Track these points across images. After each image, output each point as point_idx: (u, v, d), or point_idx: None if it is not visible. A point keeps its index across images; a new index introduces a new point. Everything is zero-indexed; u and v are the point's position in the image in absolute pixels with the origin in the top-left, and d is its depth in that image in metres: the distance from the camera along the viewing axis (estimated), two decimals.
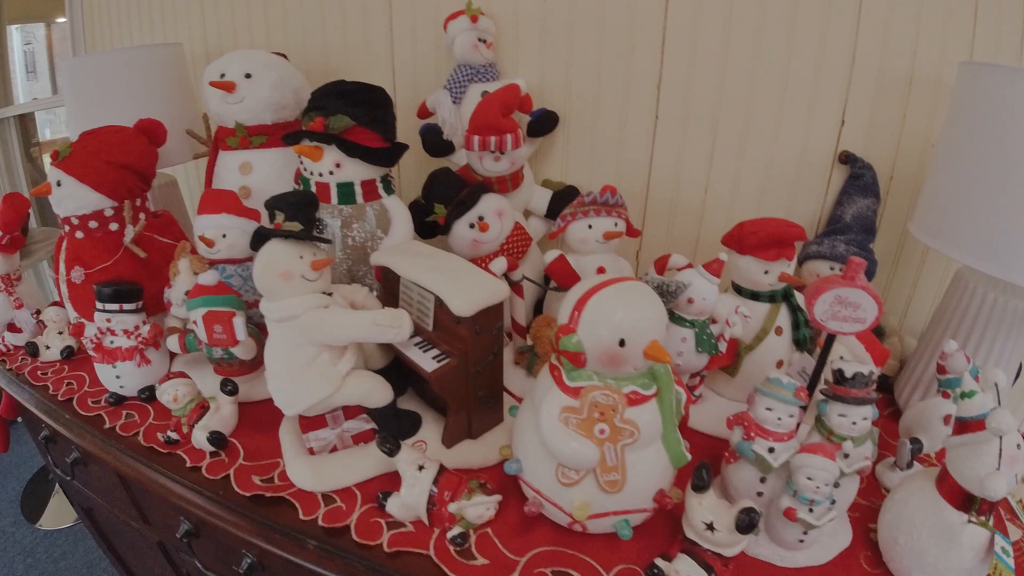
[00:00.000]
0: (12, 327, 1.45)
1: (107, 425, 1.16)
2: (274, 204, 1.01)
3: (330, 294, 1.01)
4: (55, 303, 1.44)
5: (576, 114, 1.33)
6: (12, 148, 3.08)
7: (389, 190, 1.22)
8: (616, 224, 1.16)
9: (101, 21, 1.96)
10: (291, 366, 0.99)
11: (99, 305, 1.19)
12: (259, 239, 0.99)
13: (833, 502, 0.84)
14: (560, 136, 1.38)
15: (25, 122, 3.10)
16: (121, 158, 1.25)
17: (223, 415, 1.10)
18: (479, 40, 1.30)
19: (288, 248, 0.97)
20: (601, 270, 1.18)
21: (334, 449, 1.05)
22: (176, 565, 1.39)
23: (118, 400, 1.22)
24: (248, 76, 1.30)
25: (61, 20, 3.19)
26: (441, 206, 1.23)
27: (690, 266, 1.08)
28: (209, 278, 1.15)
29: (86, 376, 1.31)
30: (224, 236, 1.22)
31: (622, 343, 0.81)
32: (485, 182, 1.26)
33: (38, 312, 1.43)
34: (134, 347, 1.19)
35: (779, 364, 1.11)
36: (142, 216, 1.30)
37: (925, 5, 1.06)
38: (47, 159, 2.18)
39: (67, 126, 1.62)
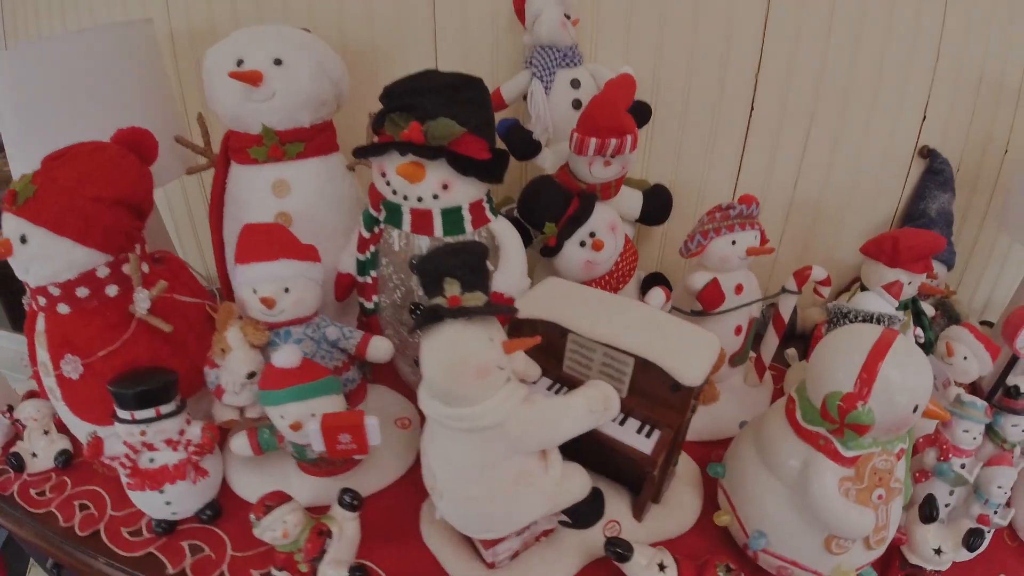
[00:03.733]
0: None
1: (171, 571, 0.73)
2: (440, 268, 0.59)
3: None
4: (31, 394, 0.92)
5: (664, 105, 1.00)
6: None
7: (495, 211, 0.83)
8: (756, 238, 0.85)
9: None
10: (493, 484, 0.62)
11: (123, 414, 0.73)
12: (427, 321, 0.58)
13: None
14: (643, 129, 1.03)
15: None
16: (110, 191, 0.76)
17: (349, 537, 0.71)
18: (565, 16, 0.90)
19: (478, 332, 0.58)
20: (739, 288, 0.87)
21: (515, 555, 0.71)
22: None
23: (169, 528, 0.78)
24: (278, 62, 0.83)
25: None
26: (552, 224, 0.85)
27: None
28: (288, 358, 0.73)
29: (101, 492, 0.85)
30: (287, 291, 0.78)
31: (915, 408, 0.61)
32: (589, 190, 0.89)
33: (10, 409, 0.91)
34: (185, 460, 0.75)
35: None
36: (145, 270, 0.81)
37: (1000, 9, 0.92)
38: None
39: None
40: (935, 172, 1.02)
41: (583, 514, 0.72)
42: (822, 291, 0.87)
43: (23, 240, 0.72)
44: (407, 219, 0.78)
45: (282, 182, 0.88)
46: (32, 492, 0.87)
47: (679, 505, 0.78)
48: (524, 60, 0.93)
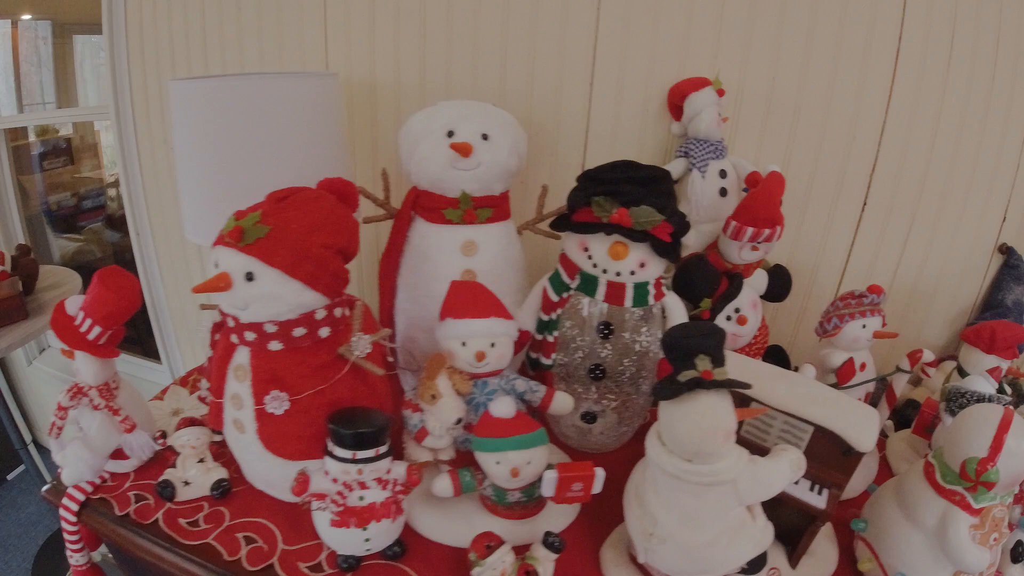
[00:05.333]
0: (116, 454, 0.85)
1: None
2: (694, 346, 0.64)
3: None
4: (188, 421, 0.87)
5: (788, 193, 1.08)
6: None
7: (668, 286, 0.88)
8: (880, 323, 0.95)
9: (153, 41, 1.24)
10: (718, 531, 0.66)
11: (343, 453, 0.71)
12: (682, 390, 0.63)
13: None
14: None
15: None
16: (335, 239, 0.75)
17: None
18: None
19: (725, 402, 0.63)
20: (863, 367, 0.96)
21: None
22: None
23: (355, 564, 0.75)
24: (485, 137, 0.86)
25: (26, 17, 2.15)
26: (708, 300, 0.92)
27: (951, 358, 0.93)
28: (506, 408, 0.74)
29: (268, 524, 0.81)
30: (493, 345, 0.79)
31: None
32: (734, 270, 0.96)
33: (163, 435, 0.85)
34: (391, 499, 0.73)
35: None
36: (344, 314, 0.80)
37: None
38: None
39: (176, 168, 0.99)
40: (1011, 267, 1.11)
41: (756, 562, 0.76)
42: (928, 371, 0.98)
43: (249, 278, 0.71)
44: (602, 290, 0.82)
45: (471, 243, 0.90)
46: (182, 522, 0.81)
47: (822, 555, 0.84)
48: (677, 150, 1.00)
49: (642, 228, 0.78)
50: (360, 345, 0.76)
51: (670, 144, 1.05)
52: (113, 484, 0.87)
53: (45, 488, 0.90)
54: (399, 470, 0.75)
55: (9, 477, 2.23)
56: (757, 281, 0.99)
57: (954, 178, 1.05)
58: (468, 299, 0.81)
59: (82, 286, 1.51)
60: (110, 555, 0.96)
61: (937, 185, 1.06)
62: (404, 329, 0.93)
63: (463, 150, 0.83)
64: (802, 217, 1.10)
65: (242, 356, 0.76)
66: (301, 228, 0.73)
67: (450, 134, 0.85)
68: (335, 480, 0.72)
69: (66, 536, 0.88)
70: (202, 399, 0.85)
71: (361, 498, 0.72)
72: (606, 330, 0.83)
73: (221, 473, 0.85)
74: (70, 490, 0.85)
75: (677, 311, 0.87)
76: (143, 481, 0.88)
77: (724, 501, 0.66)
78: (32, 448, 1.69)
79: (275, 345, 0.74)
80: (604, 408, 0.87)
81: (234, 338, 0.76)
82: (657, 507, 0.68)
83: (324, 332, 0.77)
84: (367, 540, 0.73)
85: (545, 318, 0.86)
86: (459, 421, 0.78)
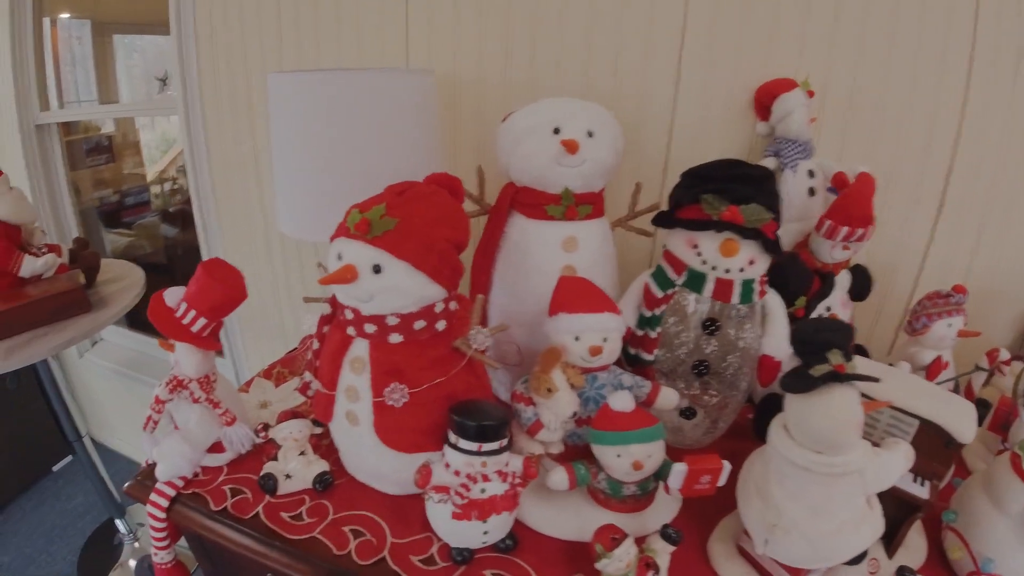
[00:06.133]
0: (214, 447, 0.83)
1: None
2: (828, 341, 0.63)
3: None
4: (290, 413, 0.84)
5: None
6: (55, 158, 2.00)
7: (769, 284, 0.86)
8: (963, 323, 0.93)
9: (224, 35, 1.21)
10: (844, 520, 0.65)
11: (468, 445, 0.68)
12: (813, 384, 0.61)
13: None
14: None
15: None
16: (455, 234, 0.74)
17: (664, 570, 0.69)
18: None
19: (856, 395, 0.62)
20: (946, 364, 0.94)
21: None
22: None
23: (469, 556, 0.72)
24: (590, 135, 0.83)
25: (64, 16, 2.12)
26: (803, 298, 0.90)
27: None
28: (626, 402, 0.72)
29: (375, 518, 0.79)
30: (605, 340, 0.77)
31: None
32: (823, 269, 0.94)
33: (265, 428, 0.83)
34: (511, 492, 0.70)
35: None
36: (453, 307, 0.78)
37: None
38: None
39: (273, 160, 0.97)
40: None
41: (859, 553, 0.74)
42: (1004, 369, 0.96)
43: (376, 270, 0.68)
44: (710, 286, 0.80)
45: (572, 239, 0.87)
46: (284, 516, 0.79)
47: (914, 546, 0.82)
48: (766, 150, 0.98)
49: (753, 226, 0.77)
50: (479, 338, 0.74)
51: (753, 144, 1.03)
52: (206, 478, 0.85)
53: (128, 484, 0.87)
54: (517, 463, 0.73)
55: (55, 468, 2.20)
56: (843, 280, 0.97)
57: (1005, 183, 1.01)
58: (581, 294, 0.79)
59: (143, 281, 1.48)
60: (187, 549, 0.93)
61: (1011, 185, 1.03)
62: (497, 322, 0.91)
63: (571, 146, 0.81)
64: (880, 218, 1.08)
65: (360, 348, 0.74)
66: (426, 221, 0.71)
67: (556, 131, 0.83)
68: (457, 473, 0.70)
69: (153, 532, 0.85)
70: (303, 390, 0.83)
71: (483, 490, 0.70)
72: (712, 326, 0.81)
73: (322, 466, 0.83)
74: (160, 485, 0.82)
75: (778, 309, 0.85)
76: (239, 475, 0.85)
77: (850, 491, 0.65)
78: (87, 440, 1.65)
79: (395, 338, 0.72)
80: (705, 404, 0.85)
81: (351, 330, 0.74)
82: (783, 499, 0.67)
83: (441, 325, 0.75)
84: (485, 533, 0.71)
85: (648, 314, 0.84)
86: (574, 415, 0.75)
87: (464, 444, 0.69)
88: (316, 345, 0.81)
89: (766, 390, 0.89)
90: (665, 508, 0.80)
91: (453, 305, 0.76)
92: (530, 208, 0.88)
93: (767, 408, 0.89)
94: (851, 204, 0.89)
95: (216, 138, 1.43)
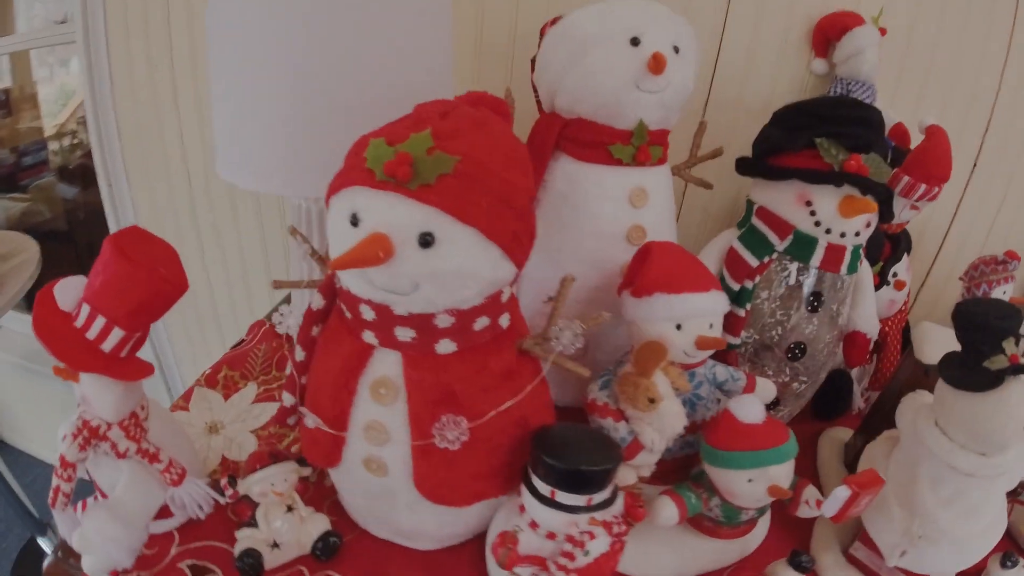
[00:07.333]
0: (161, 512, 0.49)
1: None
2: (1004, 328, 0.44)
3: None
4: (267, 454, 0.51)
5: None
6: None
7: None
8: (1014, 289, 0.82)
9: None
10: (987, 522, 0.50)
11: (575, 500, 0.42)
12: (994, 379, 0.43)
13: None
14: None
15: None
16: (525, 180, 0.43)
17: None
18: None
19: None
20: None
21: None
22: None
23: None
24: (676, 50, 0.56)
25: None
26: (879, 264, 0.72)
27: None
28: (755, 411, 0.49)
29: None
30: (711, 327, 0.53)
31: None
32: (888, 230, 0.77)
33: (229, 481, 0.49)
34: (617, 544, 0.46)
35: None
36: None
37: None
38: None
39: (211, 80, 0.57)
40: None
41: None
42: None
43: (426, 242, 0.37)
44: (819, 254, 0.57)
45: (641, 190, 0.60)
46: None
47: None
48: (833, 89, 0.76)
49: (878, 180, 0.55)
50: (566, 337, 0.46)
51: (808, 83, 0.81)
52: (151, 553, 0.49)
53: (47, 564, 0.51)
54: (618, 504, 0.48)
55: None
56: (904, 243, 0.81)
57: None
58: (680, 267, 0.53)
59: (39, 256, 0.99)
60: None
61: (1021, 148, 0.92)
62: (531, 302, 0.62)
63: (657, 66, 0.53)
64: None
65: (387, 365, 0.42)
66: (494, 161, 0.40)
67: (635, 42, 0.54)
68: (551, 536, 0.44)
69: None
70: (282, 420, 0.51)
71: (587, 553, 0.45)
72: (816, 301, 0.60)
73: (323, 524, 0.51)
74: None
75: (869, 279, 0.65)
76: (198, 543, 0.51)
77: (1002, 489, 0.50)
78: None
79: (446, 346, 0.42)
80: (794, 393, 0.65)
81: (370, 337, 0.43)
82: (935, 506, 0.49)
83: (505, 321, 0.46)
84: None
85: (736, 287, 0.61)
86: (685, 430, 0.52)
87: (565, 498, 0.42)
88: (301, 355, 0.49)
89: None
90: (759, 527, 0.61)
91: (515, 289, 0.48)
92: (587, 148, 0.58)
93: (833, 385, 0.73)
94: (931, 160, 0.70)
95: (123, 67, 0.94)
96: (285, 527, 0.50)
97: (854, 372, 0.75)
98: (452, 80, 0.64)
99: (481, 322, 0.43)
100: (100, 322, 0.43)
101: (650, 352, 0.49)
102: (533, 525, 0.44)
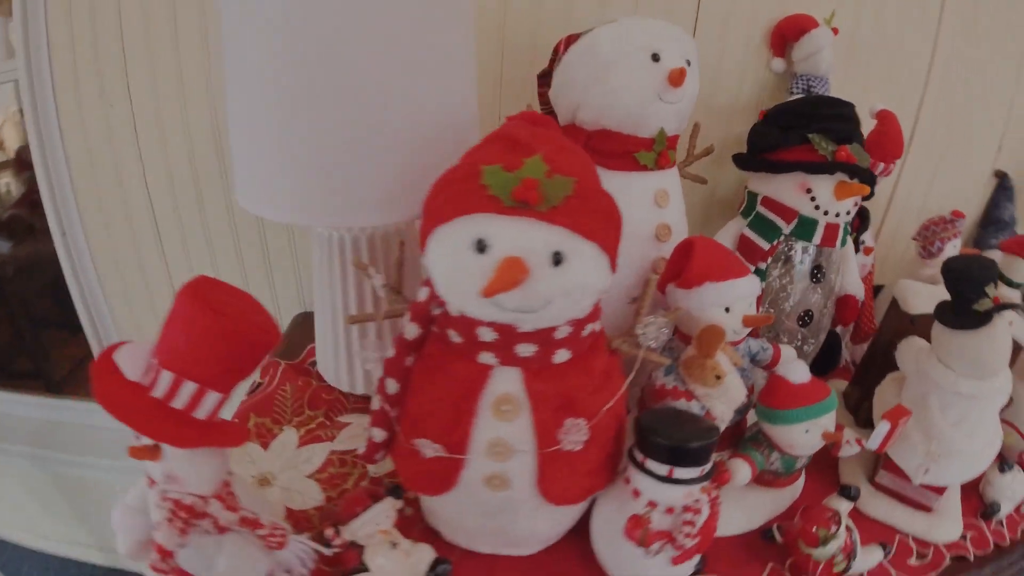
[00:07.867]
0: None
1: None
2: (984, 276, 0.55)
3: None
4: (367, 492, 0.50)
5: None
6: None
7: None
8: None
9: None
10: (987, 436, 0.61)
11: (690, 473, 0.47)
12: (983, 319, 0.55)
13: None
14: None
15: None
16: (605, 190, 0.47)
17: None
18: None
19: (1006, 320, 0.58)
20: None
21: None
22: None
23: None
24: (689, 63, 0.62)
25: None
26: (853, 234, 0.84)
27: None
28: (803, 373, 0.57)
29: None
30: (750, 306, 0.60)
31: None
32: None
33: (336, 531, 0.48)
34: (715, 507, 0.51)
35: None
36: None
37: None
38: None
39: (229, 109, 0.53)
40: (1005, 188, 1.13)
41: None
42: None
43: (557, 260, 0.40)
44: (819, 233, 0.67)
45: (664, 192, 0.65)
46: None
47: None
48: (794, 86, 0.85)
49: (864, 165, 0.66)
50: (651, 332, 0.50)
51: (768, 81, 0.92)
52: None
53: None
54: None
55: None
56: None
57: (957, 118, 1.03)
58: (721, 257, 0.59)
59: None
60: None
61: (949, 122, 1.03)
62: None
63: (680, 77, 0.59)
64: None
65: (507, 382, 0.44)
66: (593, 178, 0.44)
67: (655, 57, 0.60)
68: (670, 510, 0.48)
69: None
70: (370, 457, 0.49)
71: (696, 525, 0.49)
72: (819, 273, 0.70)
73: (427, 553, 0.51)
74: None
75: (852, 251, 0.77)
76: None
77: (996, 407, 0.61)
78: None
79: (563, 355, 0.45)
80: (805, 355, 0.75)
81: (488, 358, 0.44)
82: (945, 428, 0.60)
83: (599, 325, 0.49)
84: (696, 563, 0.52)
85: (751, 268, 0.69)
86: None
87: (683, 473, 0.47)
88: (394, 388, 0.48)
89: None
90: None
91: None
92: (613, 157, 0.63)
93: (827, 344, 0.83)
94: (886, 141, 0.83)
95: (69, 102, 0.81)
96: (389, 563, 0.49)
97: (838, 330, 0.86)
98: (476, 105, 0.66)
99: (588, 328, 0.46)
100: (189, 388, 0.40)
101: (711, 335, 0.55)
102: (651, 505, 0.48)
